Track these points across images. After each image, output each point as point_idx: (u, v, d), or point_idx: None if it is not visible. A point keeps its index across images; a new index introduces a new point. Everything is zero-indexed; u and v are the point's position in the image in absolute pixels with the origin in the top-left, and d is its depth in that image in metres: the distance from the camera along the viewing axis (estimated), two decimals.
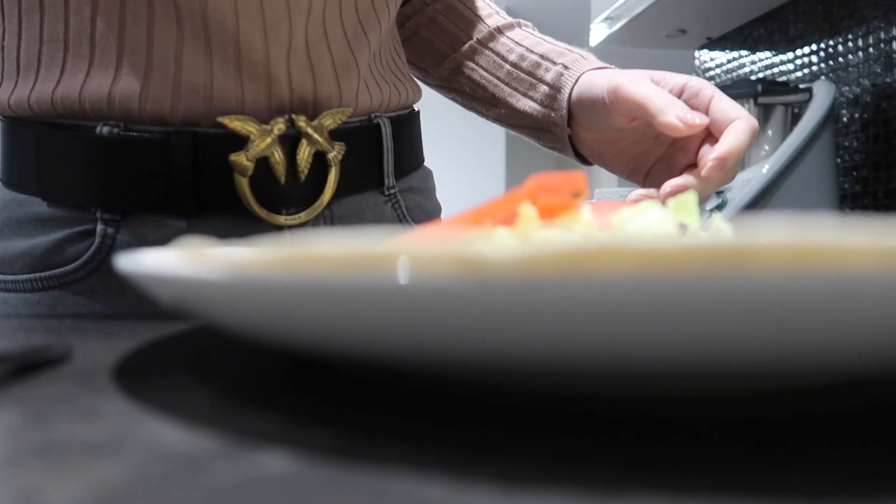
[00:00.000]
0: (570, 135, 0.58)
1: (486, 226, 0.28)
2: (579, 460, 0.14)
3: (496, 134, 3.71)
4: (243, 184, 0.47)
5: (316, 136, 0.49)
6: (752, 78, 1.75)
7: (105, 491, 0.13)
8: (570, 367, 0.16)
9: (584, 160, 0.60)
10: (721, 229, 0.27)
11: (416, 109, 0.61)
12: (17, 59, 0.47)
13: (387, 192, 0.55)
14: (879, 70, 1.39)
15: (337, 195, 0.51)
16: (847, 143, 1.47)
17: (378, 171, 0.54)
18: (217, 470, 0.13)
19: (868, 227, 0.16)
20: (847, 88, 1.47)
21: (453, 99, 0.66)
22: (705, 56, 2.00)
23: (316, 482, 0.13)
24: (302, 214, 0.50)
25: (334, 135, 0.50)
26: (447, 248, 0.14)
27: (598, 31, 1.87)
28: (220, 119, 0.46)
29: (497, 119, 0.63)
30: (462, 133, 3.56)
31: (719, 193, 1.44)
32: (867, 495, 0.12)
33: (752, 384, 0.18)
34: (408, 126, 0.58)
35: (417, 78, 0.65)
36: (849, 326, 0.13)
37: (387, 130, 0.54)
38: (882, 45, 1.39)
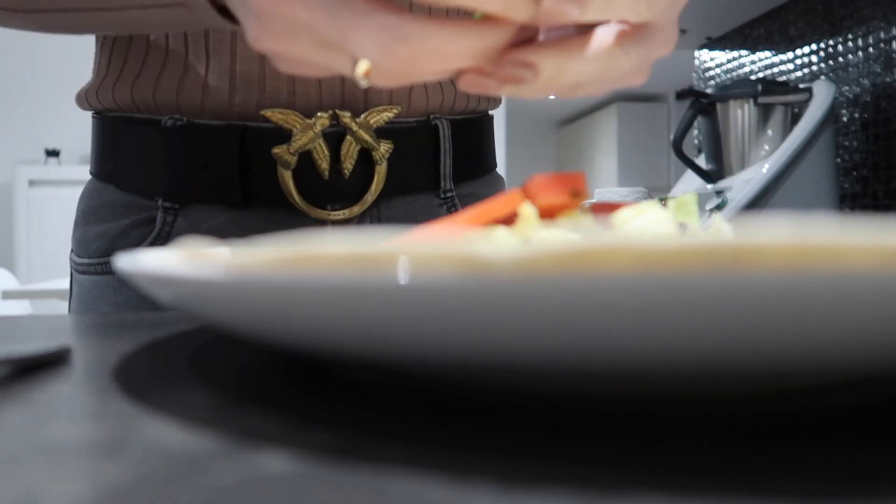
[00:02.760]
0: None
1: (486, 226, 0.28)
2: (579, 460, 0.14)
3: (496, 134, 3.72)
4: (287, 177, 0.48)
5: (361, 132, 0.49)
6: (752, 78, 1.75)
7: (105, 491, 0.12)
8: (570, 367, 0.15)
9: None
10: (721, 229, 0.27)
11: (490, 115, 0.59)
12: (108, 65, 0.51)
13: (443, 196, 0.54)
14: (879, 70, 1.39)
15: (386, 194, 0.51)
16: (847, 143, 1.47)
17: (434, 172, 0.53)
18: (217, 470, 0.13)
19: (868, 227, 0.16)
20: (847, 88, 1.47)
21: None
22: (705, 56, 2.00)
23: (316, 482, 0.13)
24: (346, 211, 0.51)
25: (382, 133, 0.50)
26: (447, 248, 0.14)
27: None
28: (264, 112, 0.47)
29: None
30: None
31: (719, 193, 1.45)
32: (867, 496, 0.12)
33: (752, 384, 0.18)
34: (475, 130, 0.57)
35: None
36: (849, 326, 0.13)
37: (446, 132, 0.53)
38: (882, 45, 1.39)
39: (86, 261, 0.53)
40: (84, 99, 0.53)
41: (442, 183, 0.54)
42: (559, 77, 0.31)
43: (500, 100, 0.60)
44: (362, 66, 0.29)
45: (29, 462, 0.14)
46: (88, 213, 0.53)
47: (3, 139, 4.59)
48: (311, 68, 0.32)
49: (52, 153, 4.58)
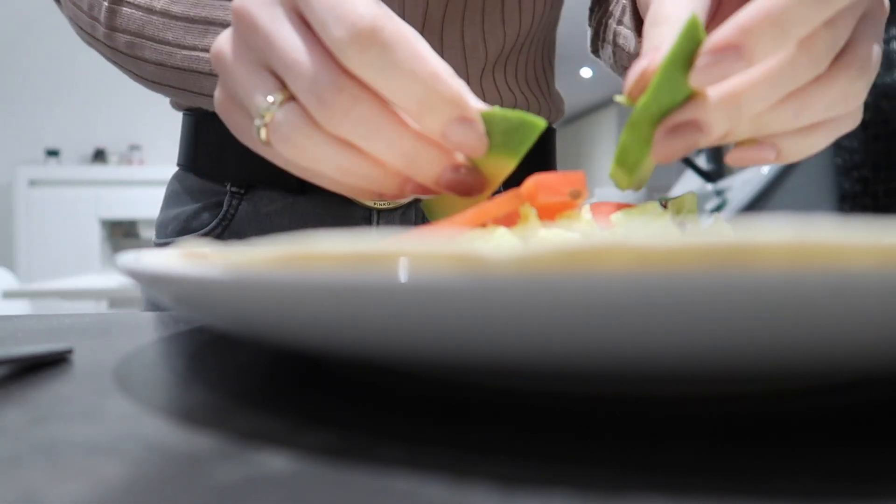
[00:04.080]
0: None
1: (485, 226, 0.28)
2: (579, 460, 0.14)
3: None
4: None
5: None
6: None
7: (105, 491, 0.12)
8: (570, 366, 0.15)
9: None
10: (721, 229, 0.27)
11: (552, 127, 0.61)
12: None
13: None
14: (880, 70, 1.39)
15: None
16: (847, 143, 1.47)
17: None
18: (217, 470, 0.13)
19: (868, 227, 0.16)
20: None
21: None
22: None
23: (316, 482, 0.13)
24: (391, 200, 0.53)
25: None
26: (447, 247, 0.14)
27: None
28: None
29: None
30: None
31: (719, 193, 1.44)
32: (867, 496, 0.12)
33: (753, 384, 0.18)
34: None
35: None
36: (849, 324, 0.13)
37: None
38: (882, 44, 1.39)
39: (163, 241, 0.58)
40: (174, 101, 0.59)
41: None
42: (743, 116, 0.27)
43: (562, 112, 0.62)
44: (266, 117, 0.28)
45: (29, 462, 0.14)
46: (169, 199, 0.59)
47: (3, 139, 4.59)
48: (237, 116, 0.31)
49: (52, 153, 4.58)
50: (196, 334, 0.31)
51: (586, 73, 5.44)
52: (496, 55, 0.55)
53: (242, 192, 0.55)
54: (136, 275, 0.21)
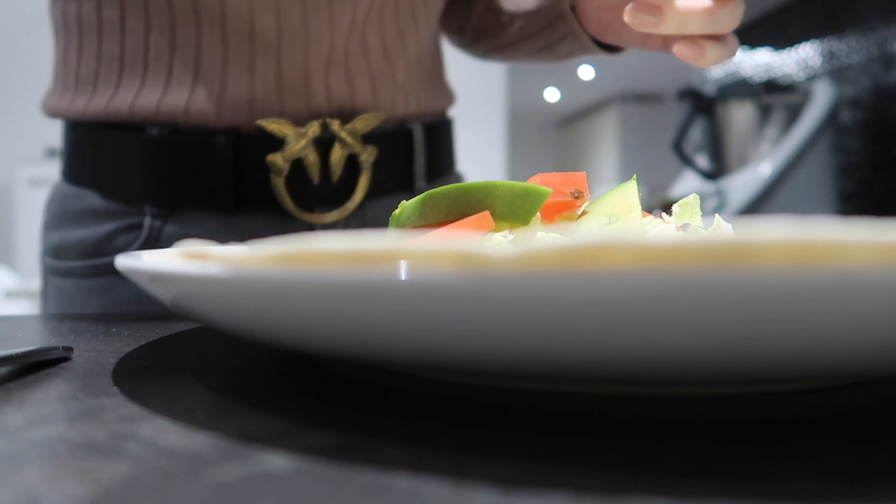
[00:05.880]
0: (574, 7, 0.53)
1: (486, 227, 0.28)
2: (578, 461, 0.14)
3: (496, 134, 3.72)
4: (279, 183, 0.50)
5: (349, 139, 0.51)
6: (753, 78, 1.74)
7: (105, 491, 0.12)
8: (569, 364, 0.15)
9: (605, 48, 0.54)
10: (721, 228, 0.27)
11: (450, 117, 0.61)
12: (77, 74, 0.51)
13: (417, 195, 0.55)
14: (879, 70, 1.39)
15: (369, 196, 0.53)
16: (847, 143, 1.47)
17: (408, 174, 0.55)
18: (217, 469, 0.13)
19: (868, 226, 0.16)
20: (847, 88, 1.47)
21: (487, 54, 0.63)
22: None
23: (315, 481, 0.13)
24: (334, 213, 0.52)
25: (367, 138, 0.52)
26: (447, 245, 0.14)
27: None
28: (259, 122, 0.49)
29: (520, 39, 0.59)
30: (462, 134, 3.56)
31: (719, 194, 1.44)
32: (867, 496, 0.12)
33: (752, 384, 0.18)
34: (441, 131, 0.59)
35: (458, 44, 0.64)
36: (848, 322, 0.13)
37: (419, 136, 0.55)
38: (882, 45, 1.39)
39: (66, 264, 0.53)
40: (51, 108, 0.53)
41: (416, 183, 0.56)
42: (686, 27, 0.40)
43: (454, 99, 0.62)
44: None
45: (29, 462, 0.14)
46: (65, 218, 0.53)
47: (2, 139, 4.59)
48: None
49: (52, 153, 4.59)
50: (196, 334, 0.31)
51: (586, 73, 5.44)
52: (416, 52, 0.54)
53: (166, 212, 0.50)
54: (135, 274, 0.21)
